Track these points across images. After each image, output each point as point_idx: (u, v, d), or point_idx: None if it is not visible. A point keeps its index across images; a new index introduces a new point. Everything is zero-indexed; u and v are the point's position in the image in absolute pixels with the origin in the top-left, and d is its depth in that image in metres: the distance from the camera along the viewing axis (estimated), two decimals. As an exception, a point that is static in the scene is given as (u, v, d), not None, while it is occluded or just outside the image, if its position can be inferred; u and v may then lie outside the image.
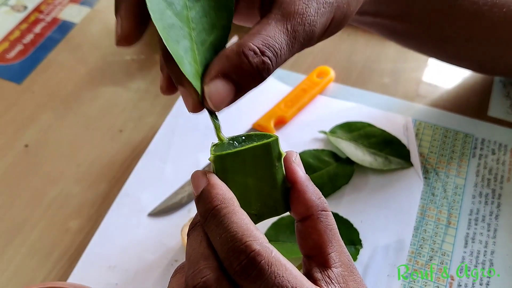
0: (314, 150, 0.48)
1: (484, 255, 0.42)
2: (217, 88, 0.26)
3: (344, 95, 0.53)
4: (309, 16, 0.28)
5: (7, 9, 0.64)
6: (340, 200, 0.45)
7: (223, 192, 0.25)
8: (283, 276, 0.23)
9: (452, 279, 0.41)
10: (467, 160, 0.48)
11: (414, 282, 0.41)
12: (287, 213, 0.29)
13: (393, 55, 0.57)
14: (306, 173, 0.47)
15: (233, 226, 0.24)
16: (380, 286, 0.40)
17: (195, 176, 0.26)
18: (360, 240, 0.42)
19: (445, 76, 0.55)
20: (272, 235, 0.43)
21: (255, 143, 0.27)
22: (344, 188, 0.46)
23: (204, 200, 0.25)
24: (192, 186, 0.26)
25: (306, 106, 0.52)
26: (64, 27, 0.62)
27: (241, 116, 0.51)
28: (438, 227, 0.44)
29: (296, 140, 0.50)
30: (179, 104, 0.52)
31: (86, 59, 0.59)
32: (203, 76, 0.27)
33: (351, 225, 0.43)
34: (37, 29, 0.62)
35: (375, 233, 0.43)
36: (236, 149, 0.26)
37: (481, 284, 0.41)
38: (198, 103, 0.26)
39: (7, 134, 0.52)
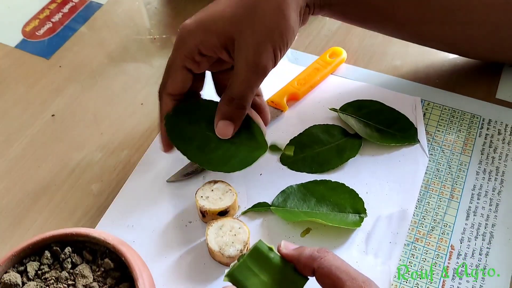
0: (324, 125, 0.50)
1: (485, 228, 0.44)
2: (219, 126, 0.41)
3: (355, 76, 0.55)
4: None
5: (37, -10, 0.68)
6: (347, 172, 0.47)
7: None
8: None
9: (453, 248, 0.43)
10: (473, 139, 0.50)
11: (416, 249, 0.43)
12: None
13: (405, 39, 0.58)
14: (315, 147, 0.50)
15: None
16: (383, 252, 0.42)
17: None
18: (365, 209, 0.44)
19: (455, 59, 0.56)
20: (281, 202, 0.45)
21: (248, 252, 0.35)
22: (351, 161, 0.48)
23: None
24: None
25: (318, 84, 0.54)
26: (91, 8, 0.65)
27: (256, 92, 0.53)
28: (441, 200, 0.46)
29: (308, 116, 0.52)
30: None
31: (111, 38, 0.62)
32: None
33: (357, 194, 0.45)
34: (65, 9, 0.65)
35: (380, 204, 0.45)
36: (239, 262, 0.35)
37: (480, 254, 0.42)
38: None
39: (35, 105, 0.55)
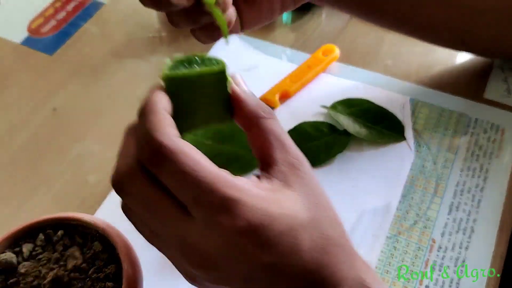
0: (313, 121, 0.52)
1: (466, 222, 0.45)
2: None
3: (347, 74, 0.57)
4: None
5: (43, -11, 0.70)
6: (335, 167, 0.49)
7: (153, 96, 0.28)
8: (183, 162, 0.26)
9: (434, 242, 0.44)
10: (459, 137, 0.51)
11: (398, 242, 0.44)
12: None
13: (397, 39, 0.60)
14: (304, 142, 0.51)
15: (147, 123, 0.27)
16: (365, 243, 0.44)
17: (151, 88, 0.30)
18: None
19: (446, 60, 0.57)
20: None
21: (204, 69, 0.30)
22: (339, 156, 0.49)
23: (141, 104, 0.29)
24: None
25: (310, 82, 0.56)
26: (94, 6, 0.67)
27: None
28: (425, 196, 0.47)
29: (299, 113, 0.53)
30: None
31: (112, 35, 0.64)
32: None
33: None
34: (70, 7, 0.67)
35: (365, 197, 0.47)
36: (185, 73, 0.29)
37: (460, 248, 0.44)
38: None
39: (38, 99, 0.57)
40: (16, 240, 0.35)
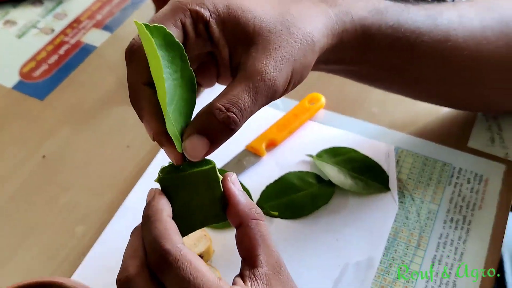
0: (299, 172, 0.52)
1: (448, 277, 0.46)
2: (192, 143, 0.32)
3: (333, 122, 0.57)
4: (268, 73, 0.33)
5: (36, 31, 0.71)
6: (319, 219, 0.49)
7: (157, 204, 0.32)
8: (186, 270, 0.29)
9: (416, 297, 0.45)
10: (443, 188, 0.51)
11: (381, 297, 0.45)
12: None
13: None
14: (289, 193, 0.51)
15: (154, 230, 0.30)
16: (348, 299, 0.44)
17: (149, 191, 0.33)
18: None
19: (431, 108, 0.58)
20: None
21: (195, 169, 0.32)
22: (324, 208, 0.50)
23: (144, 208, 0.32)
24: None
25: (297, 130, 0.56)
26: (86, 50, 0.68)
27: (235, 138, 0.55)
28: (408, 248, 0.47)
29: (285, 162, 0.54)
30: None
31: (103, 80, 0.65)
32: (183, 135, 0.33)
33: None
34: (61, 50, 0.68)
35: (349, 251, 0.47)
36: (178, 173, 0.32)
37: (443, 303, 0.44)
38: (179, 158, 0.33)
39: (27, 146, 0.58)
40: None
